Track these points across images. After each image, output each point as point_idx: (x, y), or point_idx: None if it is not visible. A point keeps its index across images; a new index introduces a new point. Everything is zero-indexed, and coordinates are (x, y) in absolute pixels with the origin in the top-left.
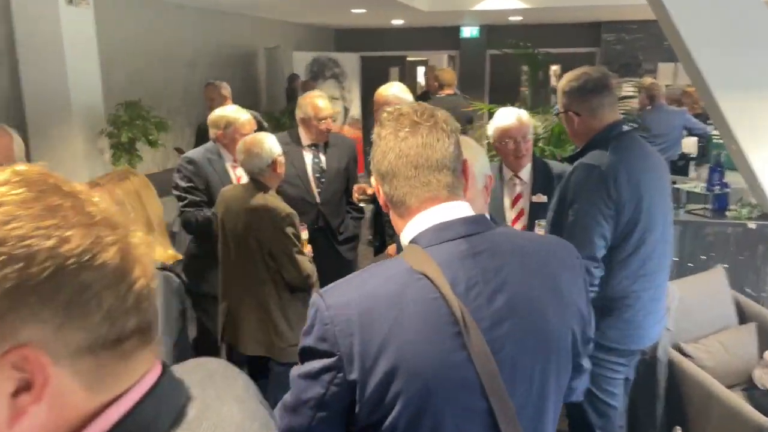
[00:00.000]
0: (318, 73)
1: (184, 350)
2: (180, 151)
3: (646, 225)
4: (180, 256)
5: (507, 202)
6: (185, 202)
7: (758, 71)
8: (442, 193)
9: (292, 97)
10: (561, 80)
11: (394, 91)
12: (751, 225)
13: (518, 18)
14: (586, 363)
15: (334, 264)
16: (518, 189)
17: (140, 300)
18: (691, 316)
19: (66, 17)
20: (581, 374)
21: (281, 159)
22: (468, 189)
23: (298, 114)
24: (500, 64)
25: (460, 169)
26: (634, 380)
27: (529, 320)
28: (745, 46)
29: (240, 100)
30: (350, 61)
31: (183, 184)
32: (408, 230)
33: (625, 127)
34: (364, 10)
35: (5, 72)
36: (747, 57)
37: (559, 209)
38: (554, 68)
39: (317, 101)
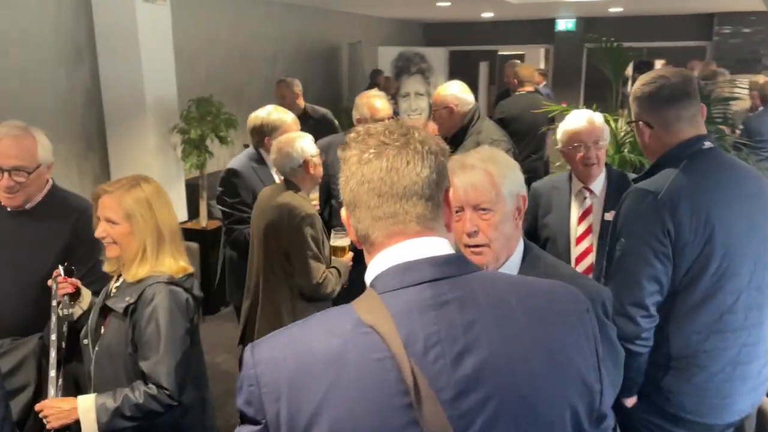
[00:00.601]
0: (403, 69)
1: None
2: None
3: (724, 268)
4: (191, 269)
5: (574, 216)
6: (232, 219)
7: None
8: (410, 226)
9: None
10: (635, 84)
11: (453, 90)
12: None
13: (618, 9)
14: None
15: None
16: (588, 203)
17: None
18: None
19: (142, 14)
20: None
21: (316, 160)
22: (451, 221)
23: (354, 114)
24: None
25: (439, 198)
26: None
27: (508, 391)
28: None
29: (321, 97)
30: (438, 56)
31: (229, 199)
32: (369, 271)
33: (707, 144)
34: (448, 3)
35: (86, 67)
36: None
37: (611, 242)
38: (661, 63)
39: (374, 101)
